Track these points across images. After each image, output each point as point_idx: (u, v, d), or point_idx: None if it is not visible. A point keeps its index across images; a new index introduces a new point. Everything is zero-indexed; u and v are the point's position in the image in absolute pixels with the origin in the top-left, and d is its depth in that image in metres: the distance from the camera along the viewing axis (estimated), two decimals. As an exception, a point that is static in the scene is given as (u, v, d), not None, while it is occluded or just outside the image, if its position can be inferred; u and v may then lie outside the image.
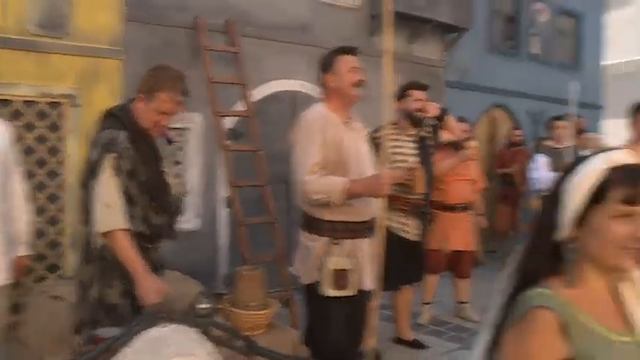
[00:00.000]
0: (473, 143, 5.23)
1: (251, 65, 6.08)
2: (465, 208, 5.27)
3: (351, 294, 2.96)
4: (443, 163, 4.91)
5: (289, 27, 6.61)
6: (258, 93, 6.35)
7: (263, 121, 5.97)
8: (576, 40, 11.19)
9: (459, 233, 5.21)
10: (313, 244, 3.00)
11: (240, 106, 5.99)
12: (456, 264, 5.38)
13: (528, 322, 1.28)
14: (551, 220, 1.37)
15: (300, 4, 6.73)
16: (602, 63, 11.65)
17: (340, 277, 2.89)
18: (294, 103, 6.48)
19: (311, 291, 3.01)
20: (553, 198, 1.39)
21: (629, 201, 1.27)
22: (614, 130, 8.78)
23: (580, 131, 6.57)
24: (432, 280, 5.29)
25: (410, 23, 7.62)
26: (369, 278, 3.08)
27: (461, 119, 5.43)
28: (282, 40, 6.50)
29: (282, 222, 5.62)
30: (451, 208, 5.17)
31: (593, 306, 1.31)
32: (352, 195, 2.91)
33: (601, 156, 1.34)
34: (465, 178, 5.24)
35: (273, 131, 5.85)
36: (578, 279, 1.34)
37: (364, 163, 3.13)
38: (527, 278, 1.36)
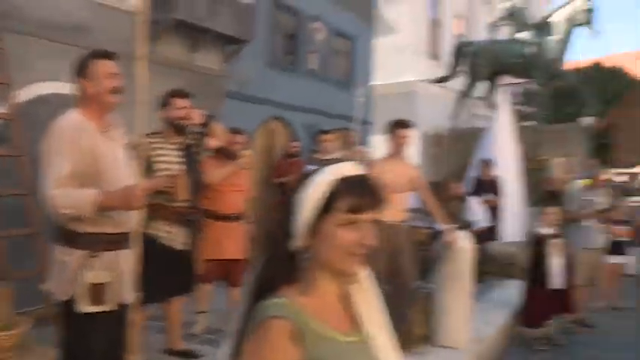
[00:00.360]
0: (247, 152, 5.39)
1: (17, 64, 5.63)
2: (237, 217, 5.35)
3: (110, 309, 2.86)
4: (217, 171, 4.97)
5: (63, 27, 6.24)
6: (25, 94, 5.90)
7: (30, 125, 5.53)
8: (350, 61, 12.11)
9: (232, 242, 5.26)
10: (69, 258, 2.83)
11: (2, 108, 5.51)
12: (230, 272, 5.41)
13: (263, 332, 1.31)
14: (286, 229, 1.42)
15: (76, 4, 6.39)
16: (372, 83, 12.76)
17: (98, 291, 2.77)
18: (66, 107, 6.12)
19: (67, 308, 2.83)
20: (287, 208, 1.43)
21: (355, 210, 1.36)
22: (379, 144, 9.64)
23: (350, 144, 7.12)
24: (205, 289, 5.31)
25: (190, 32, 7.62)
26: (130, 291, 3.00)
27: (235, 130, 5.53)
28: (54, 39, 6.11)
29: (49, 233, 5.26)
30: (225, 218, 5.23)
31: (324, 311, 1.39)
32: (104, 208, 2.79)
33: (330, 168, 1.42)
34: (239, 189, 5.34)
35: (41, 136, 5.46)
36: (312, 286, 1.40)
37: (123, 173, 3.01)
38: (265, 287, 1.40)
